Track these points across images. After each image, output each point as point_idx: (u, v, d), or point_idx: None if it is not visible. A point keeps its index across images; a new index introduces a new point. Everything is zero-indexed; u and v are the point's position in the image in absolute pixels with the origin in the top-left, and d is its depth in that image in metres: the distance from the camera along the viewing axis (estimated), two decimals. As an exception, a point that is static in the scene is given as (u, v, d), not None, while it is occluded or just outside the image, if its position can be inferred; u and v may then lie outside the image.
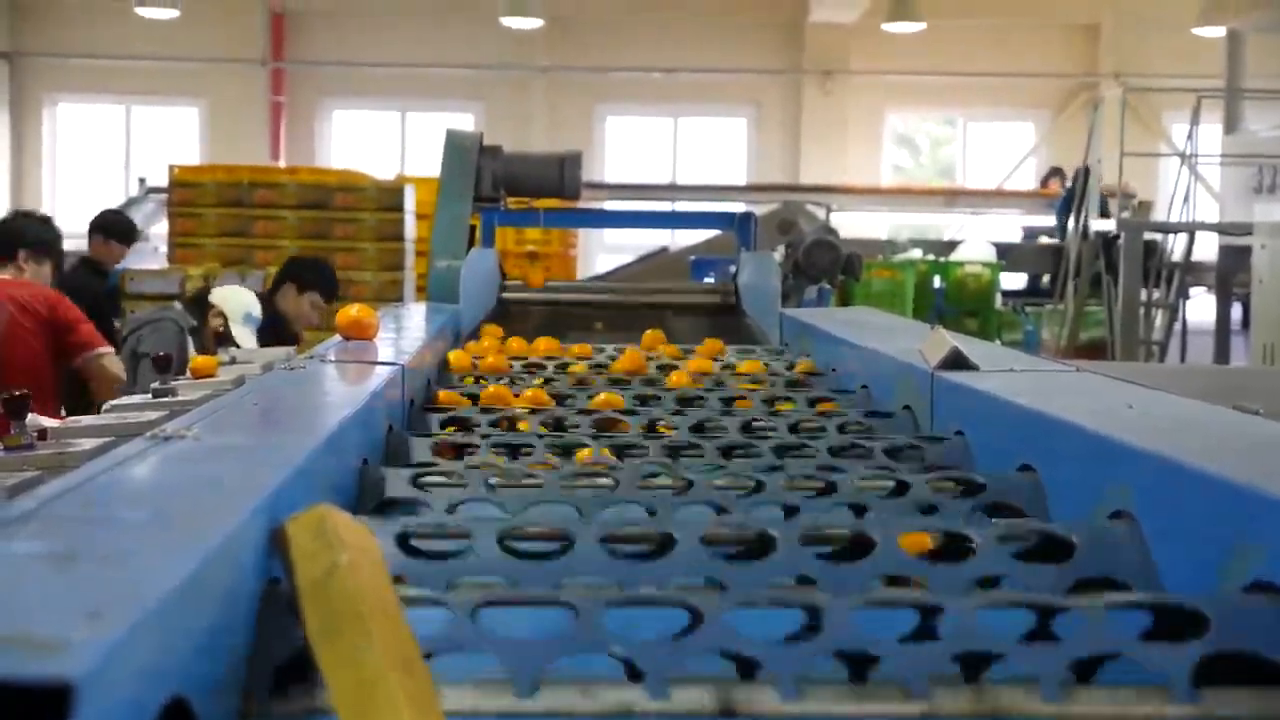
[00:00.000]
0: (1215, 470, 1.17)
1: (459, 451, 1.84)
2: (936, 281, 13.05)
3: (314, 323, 6.63)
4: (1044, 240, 14.50)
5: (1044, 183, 15.94)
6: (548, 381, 2.57)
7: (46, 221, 5.94)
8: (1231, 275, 11.59)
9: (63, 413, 4.81)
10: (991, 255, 13.86)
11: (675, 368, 2.76)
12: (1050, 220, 14.92)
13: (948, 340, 2.01)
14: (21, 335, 5.29)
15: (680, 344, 3.27)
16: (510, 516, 1.36)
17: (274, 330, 6.11)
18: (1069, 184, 14.46)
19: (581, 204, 8.18)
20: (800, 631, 1.02)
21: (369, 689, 0.87)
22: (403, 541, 1.24)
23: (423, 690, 0.89)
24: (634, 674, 0.97)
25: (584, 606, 1.00)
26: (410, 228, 10.26)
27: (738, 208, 8.30)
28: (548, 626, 0.99)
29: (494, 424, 2.03)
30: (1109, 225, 11.66)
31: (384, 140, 19.19)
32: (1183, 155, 12.14)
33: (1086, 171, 13.13)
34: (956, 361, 1.96)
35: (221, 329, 5.90)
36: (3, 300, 5.31)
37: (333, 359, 2.18)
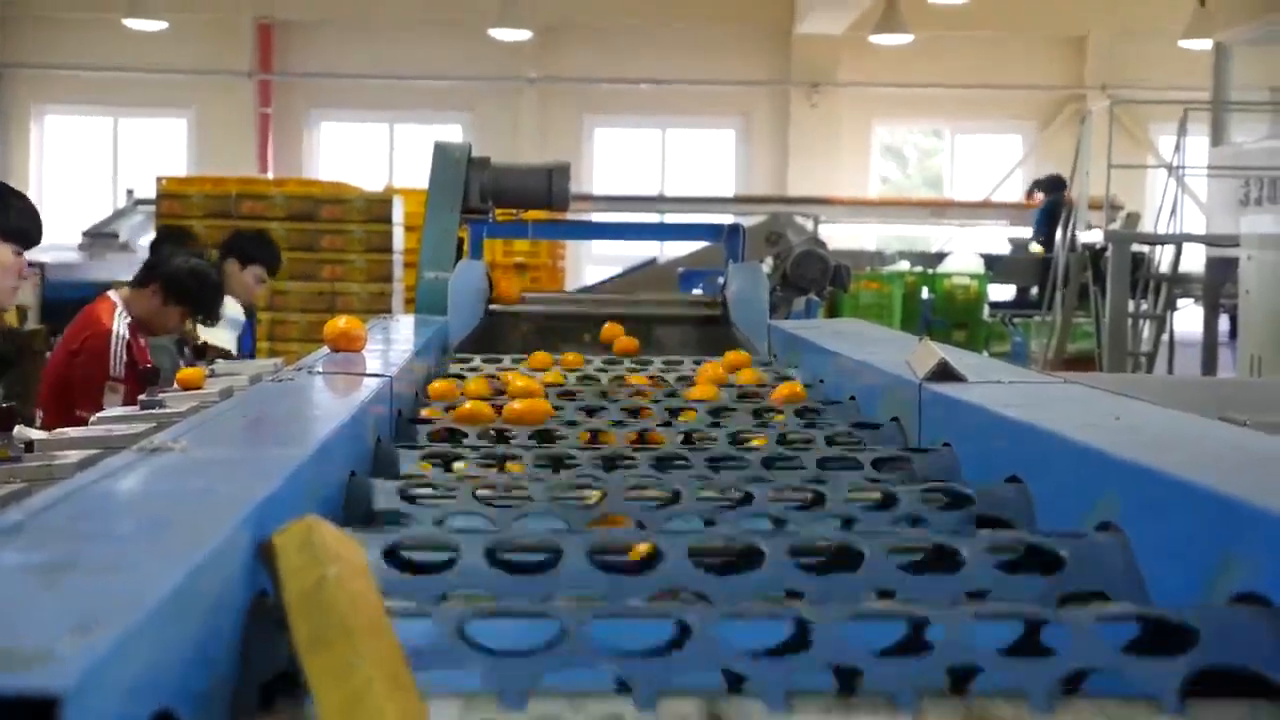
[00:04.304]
0: (1203, 482, 1.17)
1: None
2: (924, 293, 13.09)
3: (256, 296, 6.70)
4: (1034, 248, 14.52)
5: (1028, 194, 15.94)
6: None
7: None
8: (1219, 287, 11.61)
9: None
10: (979, 267, 13.89)
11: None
12: (1028, 231, 14.96)
13: (935, 352, 2.01)
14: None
15: (669, 356, 3.27)
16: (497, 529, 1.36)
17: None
18: (1044, 195, 14.49)
19: (570, 215, 8.18)
20: (788, 643, 1.01)
21: (357, 702, 0.87)
22: (390, 554, 1.24)
23: (411, 704, 0.89)
24: (623, 686, 0.97)
25: (571, 619, 0.99)
26: (398, 239, 10.25)
27: (726, 219, 8.30)
28: (536, 639, 0.99)
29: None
30: (1096, 237, 11.69)
31: (372, 152, 19.18)
32: (1170, 167, 12.15)
33: (1062, 182, 13.15)
34: (944, 373, 1.96)
35: (199, 337, 5.89)
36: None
37: (320, 371, 2.18)
